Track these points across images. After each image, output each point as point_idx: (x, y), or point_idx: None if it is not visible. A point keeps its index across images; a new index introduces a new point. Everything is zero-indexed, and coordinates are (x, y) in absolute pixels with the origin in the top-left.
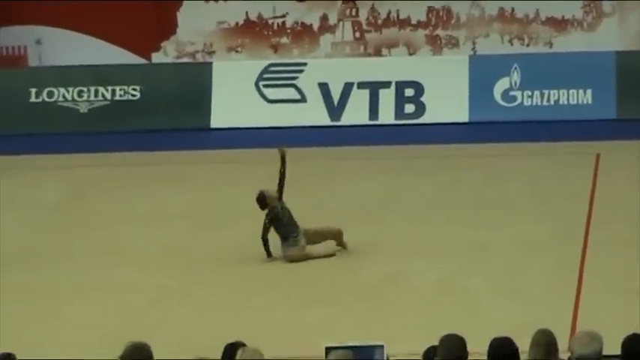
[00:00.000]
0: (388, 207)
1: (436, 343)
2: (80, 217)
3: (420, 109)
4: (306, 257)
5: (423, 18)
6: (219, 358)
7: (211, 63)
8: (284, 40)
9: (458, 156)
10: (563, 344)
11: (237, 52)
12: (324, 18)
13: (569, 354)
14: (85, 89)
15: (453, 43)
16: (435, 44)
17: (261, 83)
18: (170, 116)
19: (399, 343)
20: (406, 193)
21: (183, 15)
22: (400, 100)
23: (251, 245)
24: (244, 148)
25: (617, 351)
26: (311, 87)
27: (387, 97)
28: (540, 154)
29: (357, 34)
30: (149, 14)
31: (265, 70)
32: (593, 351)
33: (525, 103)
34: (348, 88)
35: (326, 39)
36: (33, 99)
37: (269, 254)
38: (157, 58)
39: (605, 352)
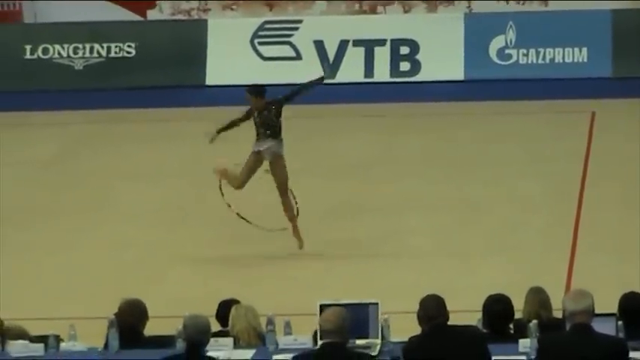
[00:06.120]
0: (383, 164)
1: None
2: (74, 173)
3: (416, 66)
4: None
5: None
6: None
7: (206, 20)
8: None
9: (453, 114)
10: (557, 302)
11: (232, 9)
12: None
13: (562, 312)
14: (80, 46)
15: (449, 1)
16: (431, 2)
17: (256, 41)
18: (165, 73)
19: (393, 301)
20: (401, 150)
21: None
22: (395, 58)
23: (245, 202)
24: (239, 106)
25: (612, 309)
26: (306, 44)
27: (382, 54)
28: (535, 112)
29: None
30: None
31: (260, 28)
32: (585, 306)
33: (521, 62)
34: (343, 45)
35: None
36: (28, 56)
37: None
38: (152, 15)
39: (599, 310)
